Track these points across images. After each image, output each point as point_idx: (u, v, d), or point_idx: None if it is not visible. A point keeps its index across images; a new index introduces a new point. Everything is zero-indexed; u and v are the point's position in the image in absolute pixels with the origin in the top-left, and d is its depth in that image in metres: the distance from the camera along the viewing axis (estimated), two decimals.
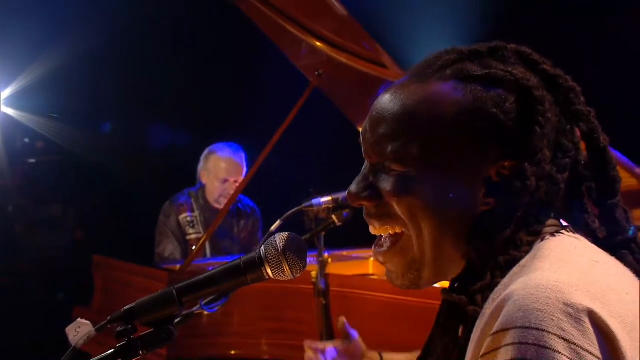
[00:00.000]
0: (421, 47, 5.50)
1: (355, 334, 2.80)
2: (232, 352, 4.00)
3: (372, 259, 4.49)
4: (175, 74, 6.19)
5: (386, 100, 1.32)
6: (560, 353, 1.03)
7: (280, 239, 1.56)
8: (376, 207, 1.33)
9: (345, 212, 2.71)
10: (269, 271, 1.55)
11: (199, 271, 4.30)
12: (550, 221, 1.26)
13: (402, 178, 1.28)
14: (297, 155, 5.19)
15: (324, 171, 5.95)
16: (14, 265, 5.84)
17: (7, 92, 6.24)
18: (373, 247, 1.39)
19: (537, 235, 1.23)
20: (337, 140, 5.31)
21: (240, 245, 5.00)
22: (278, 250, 1.54)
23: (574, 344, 1.04)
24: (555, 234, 1.23)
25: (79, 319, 1.59)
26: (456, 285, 1.27)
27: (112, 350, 1.57)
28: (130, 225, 5.83)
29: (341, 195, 2.72)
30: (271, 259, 1.55)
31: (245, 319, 3.94)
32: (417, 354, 2.96)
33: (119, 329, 1.56)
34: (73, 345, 1.58)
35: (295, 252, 1.56)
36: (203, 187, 4.98)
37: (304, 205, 2.77)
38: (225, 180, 4.86)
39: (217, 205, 4.91)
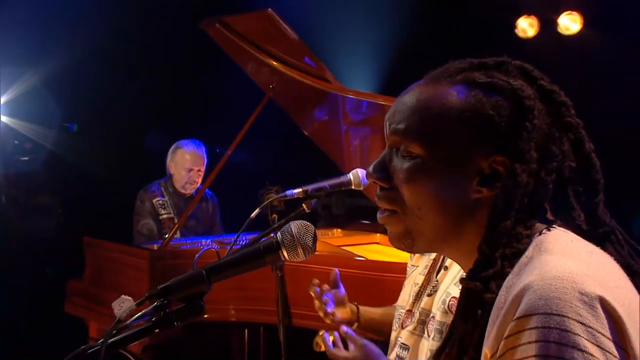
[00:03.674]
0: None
1: (341, 285, 2.74)
2: (205, 316, 3.89)
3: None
4: (155, 84, 6.07)
5: (406, 96, 1.29)
6: (579, 335, 0.99)
7: (295, 226, 1.51)
8: (385, 191, 1.29)
9: (314, 201, 2.63)
10: (285, 253, 1.50)
11: (174, 249, 4.20)
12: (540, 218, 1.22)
13: (411, 162, 1.24)
14: (255, 153, 5.12)
15: (277, 166, 5.94)
16: (9, 246, 5.67)
17: (1, 100, 6.10)
18: (378, 212, 1.34)
19: (532, 229, 1.18)
20: (288, 141, 5.27)
21: (203, 225, 4.96)
22: (293, 236, 1.49)
23: (590, 327, 1.00)
24: (550, 228, 1.18)
25: (122, 296, 1.48)
26: (472, 274, 1.20)
27: (151, 322, 1.48)
28: (107, 210, 5.71)
29: (310, 187, 2.65)
30: (287, 244, 1.50)
31: (216, 288, 3.84)
32: (387, 309, 2.91)
33: (156, 303, 1.47)
34: (117, 317, 1.46)
35: (307, 237, 1.51)
36: (170, 177, 4.91)
37: (279, 195, 2.69)
38: (190, 170, 4.82)
39: (183, 191, 4.87)
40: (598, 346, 0.99)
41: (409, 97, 1.28)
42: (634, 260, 1.20)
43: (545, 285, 1.03)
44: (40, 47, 5.69)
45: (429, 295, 2.48)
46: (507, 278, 1.13)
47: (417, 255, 2.70)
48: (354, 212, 5.38)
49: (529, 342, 1.02)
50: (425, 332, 2.44)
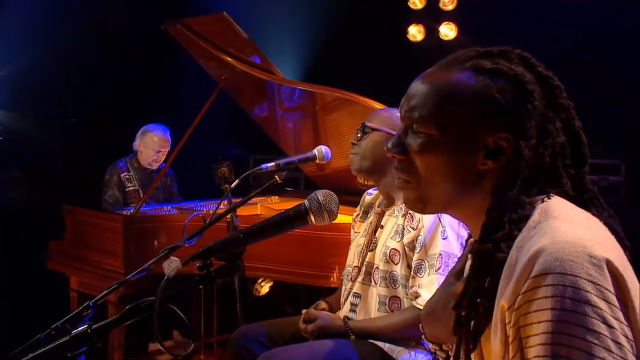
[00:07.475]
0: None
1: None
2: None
3: (259, 204, 4.33)
4: (120, 75, 5.78)
5: (419, 82, 1.22)
6: (589, 292, 0.97)
7: (321, 194, 1.45)
8: (402, 162, 1.22)
9: (285, 173, 2.54)
10: (312, 218, 1.44)
11: (142, 214, 3.98)
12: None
13: (425, 138, 1.18)
14: (209, 135, 4.91)
15: (228, 145, 5.80)
16: None
17: None
18: (395, 179, 1.27)
19: (532, 197, 1.14)
20: (236, 123, 5.12)
21: (162, 195, 4.78)
22: (320, 203, 1.43)
23: (599, 285, 0.98)
24: (549, 196, 1.15)
25: (171, 257, 1.36)
26: (483, 238, 1.14)
27: (195, 280, 1.39)
28: (71, 183, 5.38)
29: (281, 161, 2.55)
30: (314, 210, 1.43)
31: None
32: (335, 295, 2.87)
33: (199, 264, 1.38)
34: (167, 275, 1.35)
35: (332, 204, 1.45)
36: (136, 154, 4.71)
37: (255, 169, 2.57)
38: (158, 151, 4.65)
39: (148, 167, 4.70)
40: (605, 300, 0.97)
41: (422, 82, 1.21)
42: (612, 221, 1.19)
43: (559, 248, 1.00)
44: (13, 39, 5.27)
45: (371, 250, 2.46)
46: (517, 240, 1.09)
47: (358, 223, 2.68)
48: (285, 182, 5.31)
49: (545, 297, 0.99)
50: (372, 280, 2.43)
